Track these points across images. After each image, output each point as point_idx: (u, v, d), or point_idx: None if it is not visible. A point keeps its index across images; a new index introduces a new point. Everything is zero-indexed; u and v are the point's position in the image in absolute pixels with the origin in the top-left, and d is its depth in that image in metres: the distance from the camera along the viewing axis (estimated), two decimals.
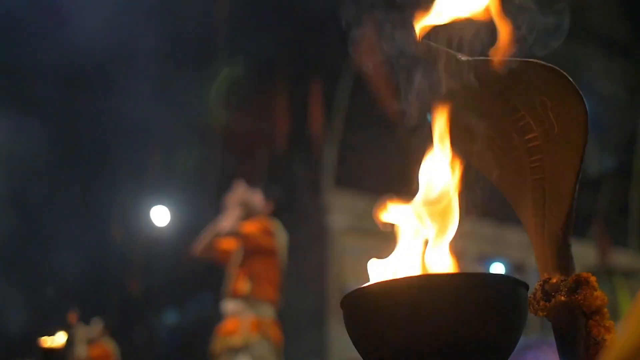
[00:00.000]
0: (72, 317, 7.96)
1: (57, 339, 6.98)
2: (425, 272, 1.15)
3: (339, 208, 14.10)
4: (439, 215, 1.20)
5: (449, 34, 1.27)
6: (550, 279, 1.13)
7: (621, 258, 15.98)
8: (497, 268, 15.17)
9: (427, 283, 1.02)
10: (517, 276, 1.08)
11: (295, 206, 13.47)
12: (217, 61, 12.50)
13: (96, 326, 8.10)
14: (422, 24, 1.26)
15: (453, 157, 1.21)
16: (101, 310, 9.84)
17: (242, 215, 6.00)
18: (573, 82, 1.13)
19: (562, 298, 1.10)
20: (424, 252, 1.18)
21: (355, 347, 1.10)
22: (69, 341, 7.54)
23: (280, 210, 6.61)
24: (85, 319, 8.17)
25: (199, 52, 12.25)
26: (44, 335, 7.05)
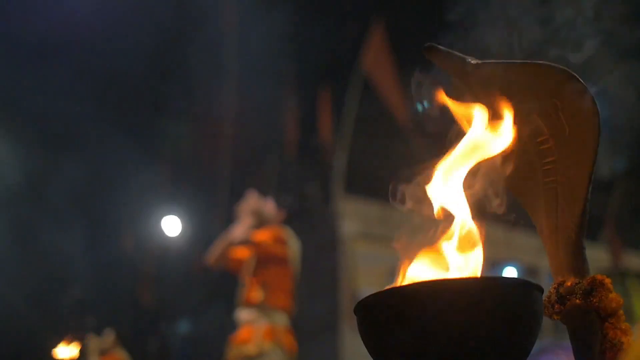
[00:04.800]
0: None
1: (70, 350, 6.99)
2: (438, 277, 1.14)
3: (350, 215, 14.08)
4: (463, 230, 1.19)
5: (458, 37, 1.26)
6: (564, 282, 1.12)
7: (634, 260, 15.90)
8: (510, 272, 15.11)
9: (440, 288, 1.02)
10: (528, 279, 1.07)
11: (307, 214, 13.47)
12: (226, 69, 12.52)
13: (108, 337, 8.09)
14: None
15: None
16: (113, 320, 9.84)
17: (254, 224, 6.00)
18: (584, 83, 1.13)
19: (577, 301, 1.09)
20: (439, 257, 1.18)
21: (370, 353, 1.09)
22: (82, 352, 7.54)
23: (292, 218, 6.61)
24: (98, 330, 8.16)
25: (207, 60, 12.28)
26: (56, 347, 7.07)
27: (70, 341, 7.38)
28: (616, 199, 16.45)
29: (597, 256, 14.48)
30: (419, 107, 1.27)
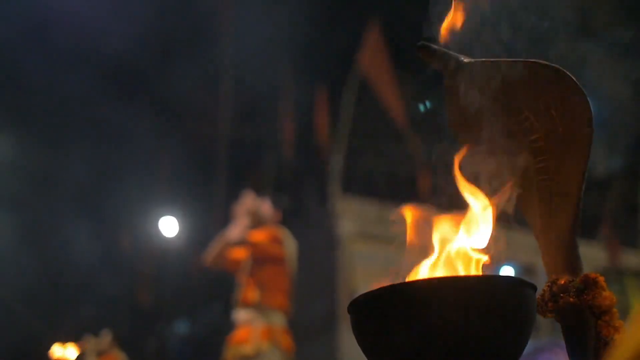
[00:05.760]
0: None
1: (67, 351, 6.99)
2: (431, 276, 1.14)
3: (348, 215, 14.06)
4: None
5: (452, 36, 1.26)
6: (558, 280, 1.12)
7: (631, 259, 15.89)
8: (507, 271, 15.08)
9: (433, 286, 1.02)
10: (526, 279, 1.07)
11: (304, 214, 13.46)
12: (222, 69, 12.52)
13: (106, 338, 8.08)
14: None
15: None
16: (111, 321, 9.83)
17: (251, 224, 5.99)
18: (576, 82, 1.13)
19: (571, 299, 1.09)
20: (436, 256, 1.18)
21: (363, 351, 1.09)
22: (79, 353, 7.54)
23: (289, 218, 6.60)
24: (95, 330, 8.15)
25: (203, 61, 12.28)
26: (53, 347, 7.07)
27: (67, 342, 7.39)
28: (613, 197, 16.45)
29: (594, 255, 14.45)
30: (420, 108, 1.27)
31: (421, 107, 1.23)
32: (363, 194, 14.12)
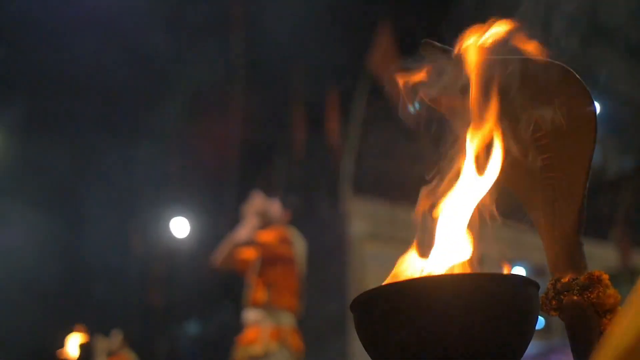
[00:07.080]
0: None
1: (78, 350, 7.01)
2: (433, 274, 1.14)
3: (358, 215, 14.06)
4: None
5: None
6: (561, 278, 1.11)
7: None
8: (518, 271, 14.98)
9: (434, 284, 1.01)
10: (537, 279, 1.06)
11: (314, 214, 13.45)
12: (234, 70, 12.54)
13: (116, 337, 8.11)
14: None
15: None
16: (122, 321, 9.86)
17: (260, 225, 5.99)
18: (581, 80, 1.12)
19: (575, 297, 1.08)
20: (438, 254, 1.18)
21: (366, 350, 1.09)
22: (90, 353, 7.56)
23: (299, 219, 6.59)
24: (106, 331, 8.18)
25: (212, 60, 12.30)
26: (64, 346, 7.09)
27: (78, 341, 7.41)
28: (625, 197, 16.39)
29: (606, 255, 14.39)
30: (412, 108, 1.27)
31: (411, 109, 1.22)
32: (374, 195, 14.11)
